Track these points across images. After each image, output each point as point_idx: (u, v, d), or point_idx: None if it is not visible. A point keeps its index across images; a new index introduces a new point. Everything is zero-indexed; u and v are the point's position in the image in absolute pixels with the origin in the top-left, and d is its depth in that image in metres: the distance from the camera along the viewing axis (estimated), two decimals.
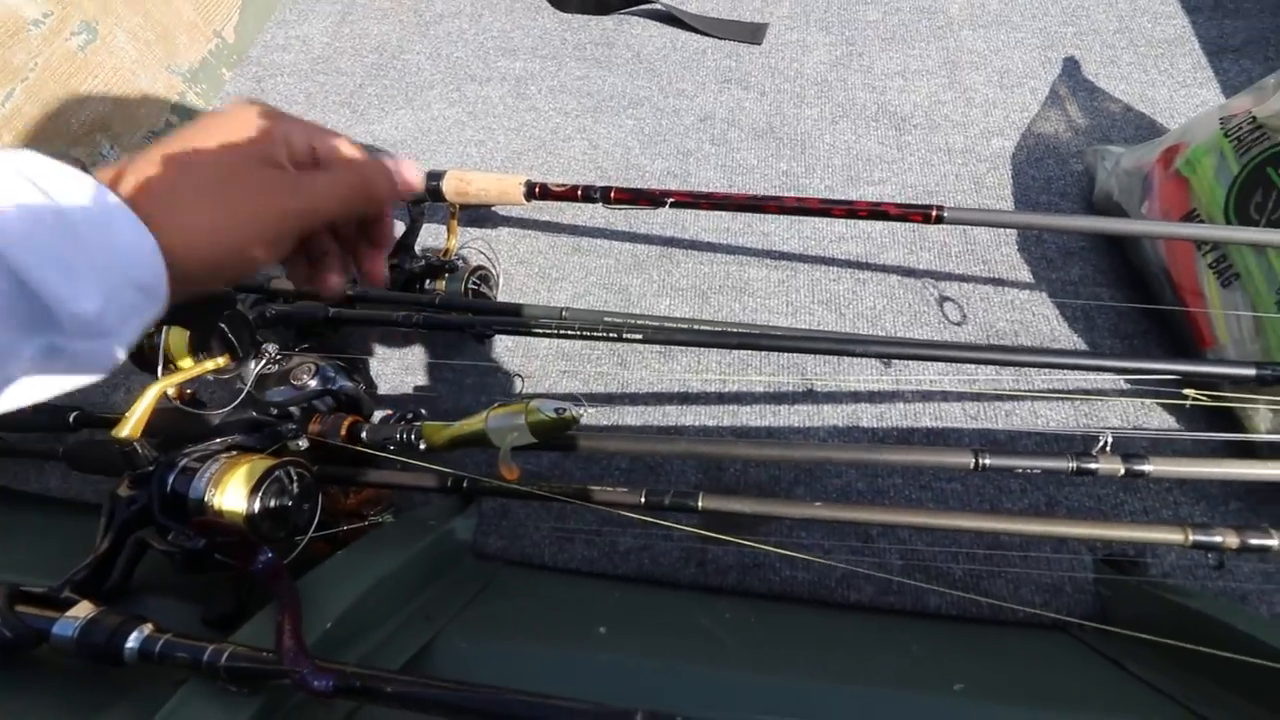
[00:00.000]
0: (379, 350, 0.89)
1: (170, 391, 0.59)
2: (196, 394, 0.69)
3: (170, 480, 0.54)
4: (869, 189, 0.97)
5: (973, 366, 0.77)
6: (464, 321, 0.69)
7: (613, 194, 0.73)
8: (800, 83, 1.10)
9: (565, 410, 0.53)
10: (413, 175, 0.33)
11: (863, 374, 0.80)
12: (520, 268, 0.95)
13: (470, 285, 0.82)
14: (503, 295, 0.91)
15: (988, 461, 0.49)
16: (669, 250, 0.94)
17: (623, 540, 0.73)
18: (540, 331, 0.65)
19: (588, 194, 0.73)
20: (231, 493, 0.52)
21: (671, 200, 0.69)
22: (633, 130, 1.08)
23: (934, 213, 0.61)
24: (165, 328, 0.60)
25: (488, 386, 0.85)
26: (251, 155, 0.27)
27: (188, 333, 0.61)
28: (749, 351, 0.73)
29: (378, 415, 0.68)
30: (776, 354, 0.76)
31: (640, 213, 0.96)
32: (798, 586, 0.68)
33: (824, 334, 0.64)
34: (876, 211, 0.62)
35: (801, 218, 0.90)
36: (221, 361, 0.58)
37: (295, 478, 0.55)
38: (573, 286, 0.92)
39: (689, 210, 0.76)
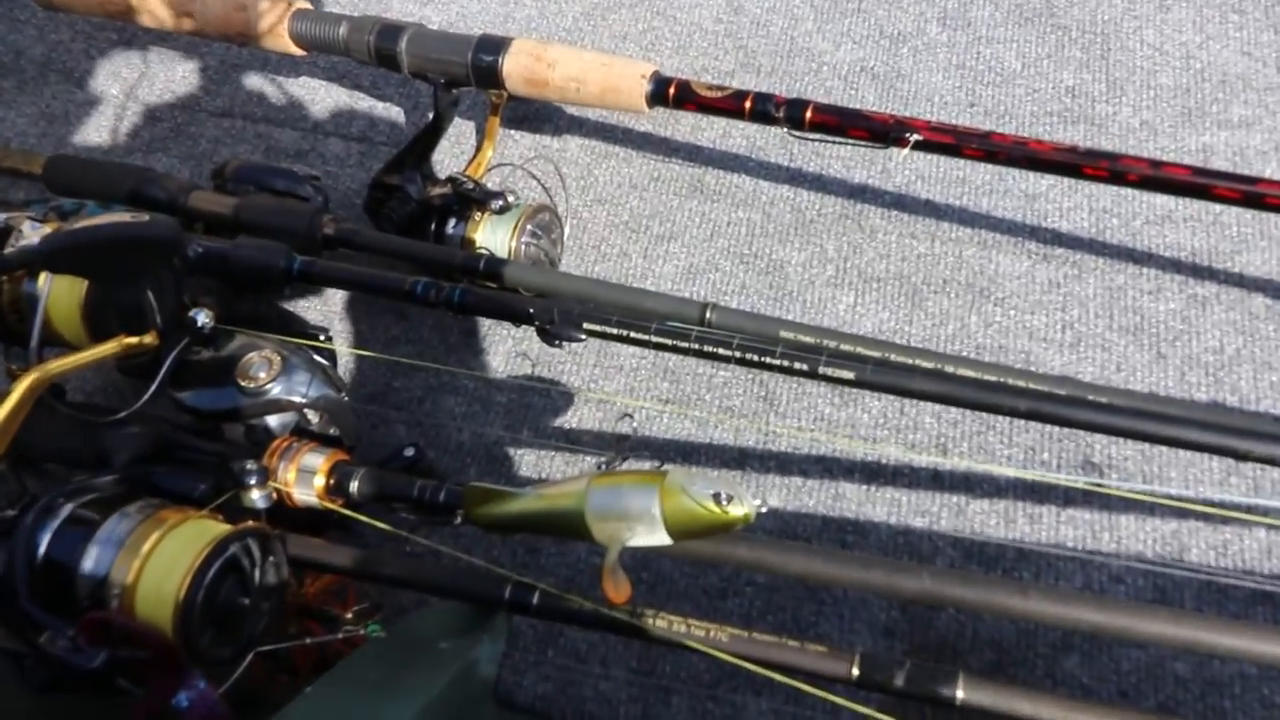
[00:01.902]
0: (355, 329, 0.89)
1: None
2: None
3: (45, 539, 0.55)
4: (1219, 134, 0.94)
5: None
6: (535, 308, 0.68)
7: (809, 113, 0.71)
8: None
9: (732, 500, 0.52)
10: None
11: (1195, 466, 0.77)
12: (599, 210, 0.94)
13: (526, 239, 0.81)
14: (569, 258, 0.90)
15: None
16: (859, 207, 0.92)
17: (751, 709, 0.72)
18: (669, 344, 0.64)
19: (761, 109, 0.72)
20: (158, 574, 0.52)
21: (918, 138, 0.67)
22: None
23: None
24: (47, 277, 0.60)
25: (534, 412, 0.84)
26: None
27: (83, 288, 0.61)
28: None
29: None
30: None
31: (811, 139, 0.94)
32: None
33: (1215, 416, 0.59)
34: None
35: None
36: (147, 340, 0.58)
37: (259, 558, 0.55)
38: (687, 254, 0.91)
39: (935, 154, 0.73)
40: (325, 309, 0.90)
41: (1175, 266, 0.87)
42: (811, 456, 0.81)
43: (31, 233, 0.60)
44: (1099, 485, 0.77)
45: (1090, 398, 0.57)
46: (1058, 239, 0.89)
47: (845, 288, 0.88)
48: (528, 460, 0.82)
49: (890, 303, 0.87)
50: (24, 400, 0.55)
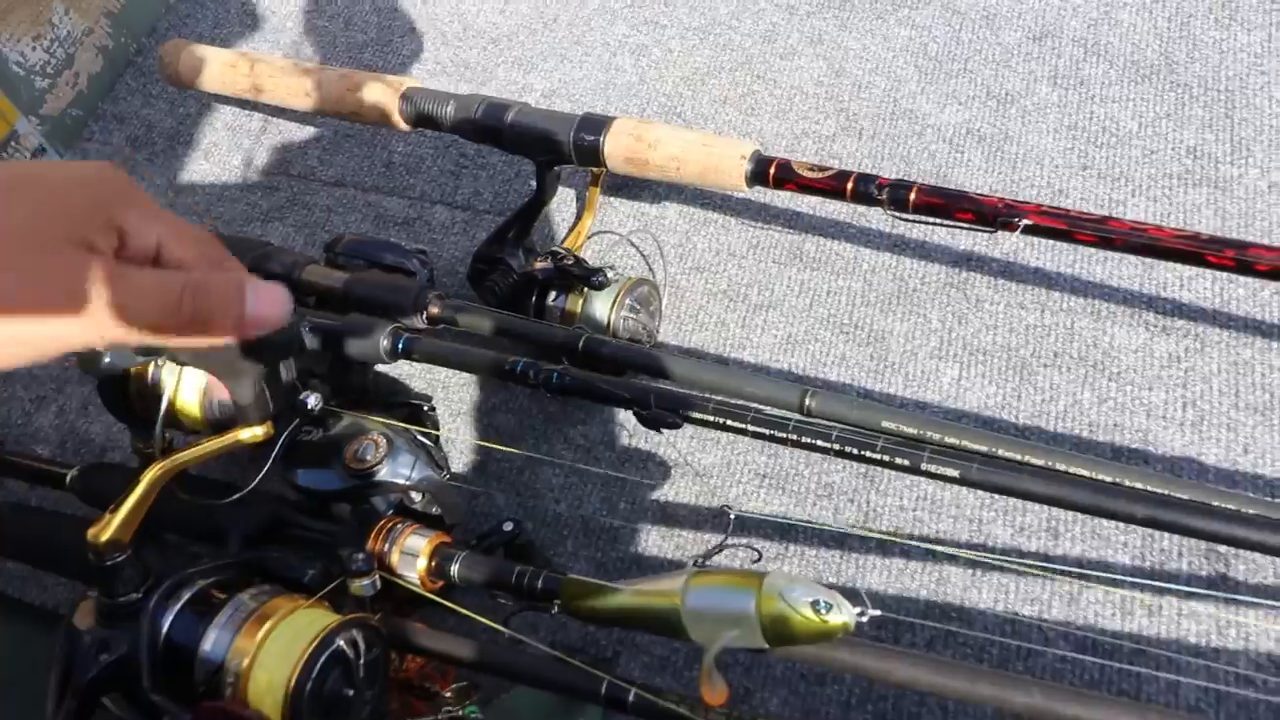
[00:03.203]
0: (457, 396, 0.92)
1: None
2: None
3: (167, 622, 0.57)
4: None
5: None
6: (632, 392, 0.68)
7: (913, 195, 0.70)
8: None
9: (831, 608, 0.52)
10: (272, 308, 0.38)
11: None
12: (696, 278, 0.94)
13: (624, 313, 0.82)
14: (667, 326, 0.91)
15: None
16: (964, 275, 0.91)
17: None
18: (766, 434, 0.63)
19: (863, 190, 0.71)
20: (271, 662, 0.54)
21: (1028, 222, 0.65)
22: (907, 48, 1.05)
23: None
24: (179, 369, 0.63)
25: (630, 486, 0.84)
26: (63, 229, 0.33)
27: (205, 380, 0.64)
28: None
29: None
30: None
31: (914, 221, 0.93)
32: None
33: None
34: None
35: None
36: (260, 433, 0.61)
37: (364, 649, 0.56)
38: (786, 324, 0.90)
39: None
40: (429, 376, 0.93)
41: None
42: (914, 536, 0.79)
43: None
44: (1217, 592, 0.73)
45: (1216, 504, 0.54)
46: (1178, 310, 0.86)
47: (950, 360, 0.87)
48: (624, 534, 0.83)
49: (997, 377, 0.85)
50: (150, 491, 0.58)
